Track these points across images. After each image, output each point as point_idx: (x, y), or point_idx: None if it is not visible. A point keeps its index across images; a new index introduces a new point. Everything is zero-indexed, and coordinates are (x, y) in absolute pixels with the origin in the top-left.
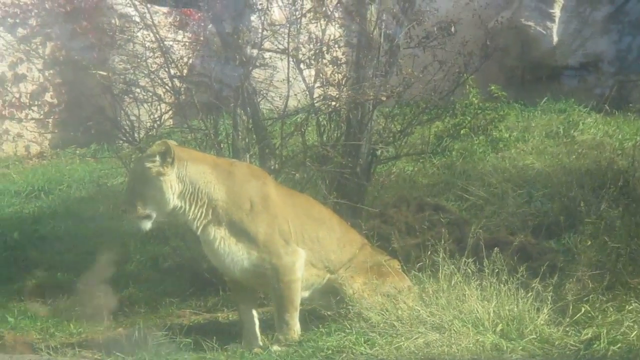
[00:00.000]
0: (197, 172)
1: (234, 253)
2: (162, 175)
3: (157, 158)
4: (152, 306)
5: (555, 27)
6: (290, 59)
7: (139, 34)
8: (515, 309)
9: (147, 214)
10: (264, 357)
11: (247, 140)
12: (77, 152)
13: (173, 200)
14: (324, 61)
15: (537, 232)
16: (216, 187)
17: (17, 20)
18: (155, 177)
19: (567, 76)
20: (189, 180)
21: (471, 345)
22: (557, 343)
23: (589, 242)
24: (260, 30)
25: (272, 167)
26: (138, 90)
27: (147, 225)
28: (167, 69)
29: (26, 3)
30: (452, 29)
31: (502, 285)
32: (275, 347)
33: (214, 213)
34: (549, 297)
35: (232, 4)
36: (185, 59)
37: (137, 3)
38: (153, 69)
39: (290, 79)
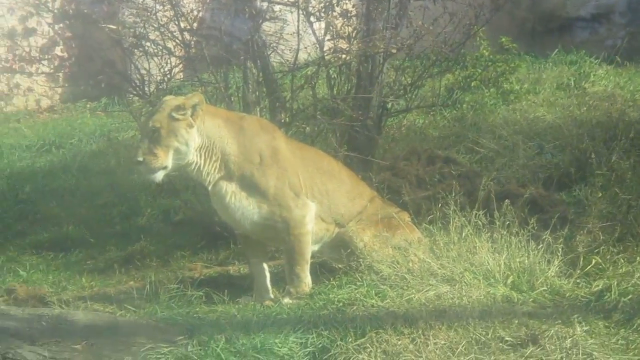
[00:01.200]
0: (212, 126)
1: (244, 207)
2: (191, 128)
3: (189, 110)
4: (164, 259)
5: None
6: (300, 12)
7: None
8: (526, 261)
9: (165, 165)
10: (275, 309)
11: (257, 93)
12: (88, 106)
13: (192, 153)
14: (334, 14)
15: (548, 184)
16: (229, 141)
17: None
18: (184, 130)
19: (578, 27)
20: (206, 135)
21: (482, 297)
22: (567, 295)
23: (600, 194)
24: None
25: (282, 121)
26: (148, 43)
27: (161, 176)
28: (177, 22)
29: None
30: None
31: (512, 238)
32: (287, 300)
33: (226, 168)
34: (560, 249)
35: None
36: (195, 12)
37: None
38: (163, 23)
39: (300, 31)
